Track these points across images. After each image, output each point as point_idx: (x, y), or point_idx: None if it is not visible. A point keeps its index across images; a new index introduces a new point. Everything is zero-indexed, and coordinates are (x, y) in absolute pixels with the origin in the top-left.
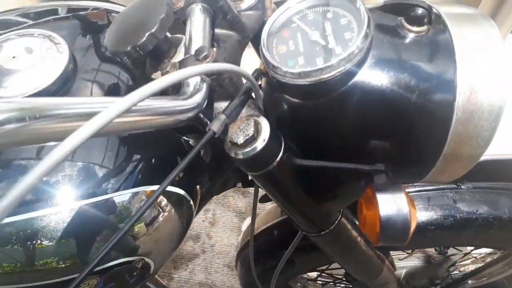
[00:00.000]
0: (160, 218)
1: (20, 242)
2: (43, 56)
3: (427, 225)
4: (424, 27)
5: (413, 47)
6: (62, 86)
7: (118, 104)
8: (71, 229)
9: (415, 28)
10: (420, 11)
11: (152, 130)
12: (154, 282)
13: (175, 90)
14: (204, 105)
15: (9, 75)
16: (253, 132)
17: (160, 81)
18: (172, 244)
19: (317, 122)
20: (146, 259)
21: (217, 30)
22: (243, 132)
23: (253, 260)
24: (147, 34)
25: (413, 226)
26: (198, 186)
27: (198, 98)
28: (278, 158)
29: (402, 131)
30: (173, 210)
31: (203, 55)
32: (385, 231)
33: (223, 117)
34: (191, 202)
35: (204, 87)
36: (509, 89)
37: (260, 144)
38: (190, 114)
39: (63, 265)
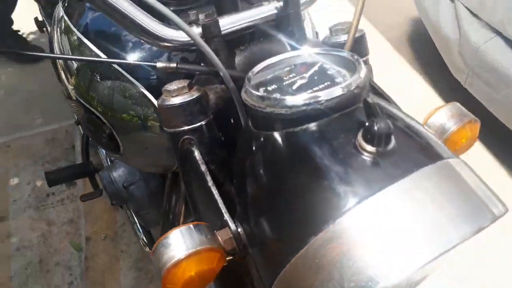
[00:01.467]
0: (127, 99)
1: None
2: None
3: None
4: (374, 149)
5: (349, 159)
6: None
7: None
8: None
9: (368, 147)
10: (375, 128)
11: (133, 34)
12: None
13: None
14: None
15: None
16: (176, 91)
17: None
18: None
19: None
20: (112, 131)
21: None
22: (173, 86)
23: None
24: None
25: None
26: None
27: (177, 38)
28: (180, 129)
29: (283, 208)
30: (136, 103)
31: (202, 16)
32: None
33: (174, 64)
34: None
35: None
36: None
37: (172, 101)
38: (168, 44)
39: None
